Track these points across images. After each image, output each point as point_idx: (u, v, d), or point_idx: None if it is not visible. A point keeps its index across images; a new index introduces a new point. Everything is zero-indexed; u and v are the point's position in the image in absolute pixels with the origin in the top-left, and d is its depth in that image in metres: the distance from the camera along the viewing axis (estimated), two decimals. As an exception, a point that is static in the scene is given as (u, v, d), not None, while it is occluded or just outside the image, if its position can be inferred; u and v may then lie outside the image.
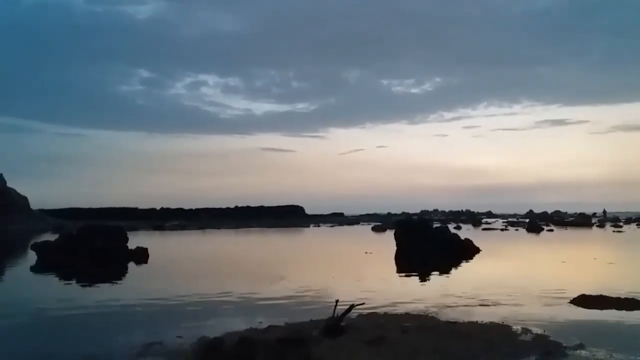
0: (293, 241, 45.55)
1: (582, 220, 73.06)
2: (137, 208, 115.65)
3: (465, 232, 46.68)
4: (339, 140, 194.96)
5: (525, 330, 9.03)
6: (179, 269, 21.33)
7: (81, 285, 17.27)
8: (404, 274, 19.47)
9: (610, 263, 22.16)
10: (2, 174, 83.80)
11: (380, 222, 78.95)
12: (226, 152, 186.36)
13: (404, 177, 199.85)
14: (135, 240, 28.94)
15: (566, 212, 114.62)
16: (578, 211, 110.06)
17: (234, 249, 35.26)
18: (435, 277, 18.49)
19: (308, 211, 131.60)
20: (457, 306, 11.95)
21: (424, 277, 18.25)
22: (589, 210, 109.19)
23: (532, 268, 21.00)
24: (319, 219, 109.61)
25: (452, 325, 9.30)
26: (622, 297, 12.22)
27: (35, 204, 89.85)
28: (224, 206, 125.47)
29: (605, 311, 11.19)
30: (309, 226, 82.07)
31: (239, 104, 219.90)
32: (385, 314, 10.70)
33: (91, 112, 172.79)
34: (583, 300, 12.06)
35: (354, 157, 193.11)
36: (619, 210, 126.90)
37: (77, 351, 8.36)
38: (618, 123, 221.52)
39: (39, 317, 11.52)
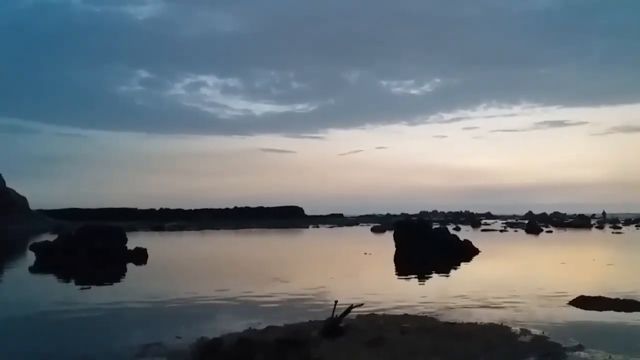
0: (292, 242, 45.55)
1: (581, 222, 73.15)
2: (136, 209, 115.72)
3: (465, 233, 46.73)
4: (338, 141, 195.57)
5: (525, 332, 9.03)
6: (178, 270, 21.32)
7: (80, 286, 17.24)
8: (403, 275, 19.48)
9: (609, 264, 22.18)
10: (1, 174, 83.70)
11: (380, 223, 78.99)
12: (226, 152, 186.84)
13: (404, 178, 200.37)
14: (134, 241, 28.93)
15: (565, 214, 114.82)
16: (577, 212, 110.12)
17: (233, 249, 35.25)
18: (434, 278, 18.50)
19: (307, 212, 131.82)
20: (456, 307, 11.95)
21: (423, 278, 18.25)
22: (588, 212, 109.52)
23: (531, 269, 21.01)
24: (318, 220, 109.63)
25: (452, 326, 9.30)
26: (621, 298, 12.24)
27: (34, 204, 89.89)
28: (223, 207, 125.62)
29: (604, 312, 11.20)
30: (308, 227, 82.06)
31: (238, 105, 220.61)
32: (385, 314, 10.69)
33: (91, 112, 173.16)
34: (582, 302, 12.07)
35: (353, 158, 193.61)
36: (619, 212, 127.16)
37: (76, 352, 8.35)
38: (618, 124, 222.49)
39: (38, 317, 11.49)
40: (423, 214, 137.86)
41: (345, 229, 75.40)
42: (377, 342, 7.98)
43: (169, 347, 8.33)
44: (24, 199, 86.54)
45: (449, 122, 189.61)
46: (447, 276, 19.07)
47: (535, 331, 9.11)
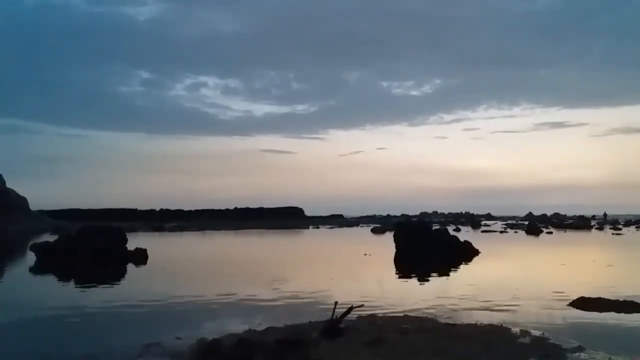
0: (292, 242, 45.54)
1: (581, 223, 73.20)
2: (136, 209, 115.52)
3: (465, 234, 46.71)
4: (338, 142, 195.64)
5: (525, 333, 9.03)
6: (178, 270, 21.32)
7: (80, 286, 17.25)
8: (403, 276, 19.48)
9: (610, 265, 22.19)
10: (1, 175, 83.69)
11: (380, 223, 78.98)
12: (226, 153, 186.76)
13: (404, 179, 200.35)
14: (134, 242, 28.93)
15: (565, 215, 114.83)
16: (577, 214, 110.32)
17: (233, 250, 35.25)
18: (434, 279, 18.48)
19: (307, 213, 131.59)
20: (456, 308, 11.96)
21: (423, 279, 18.25)
22: (588, 213, 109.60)
23: (531, 270, 21.01)
24: (318, 221, 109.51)
25: (452, 327, 9.31)
26: (621, 299, 12.25)
27: (34, 204, 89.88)
28: (223, 207, 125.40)
29: (604, 313, 11.20)
30: (308, 228, 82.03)
31: (238, 106, 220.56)
32: (385, 315, 10.70)
33: (91, 112, 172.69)
34: (582, 303, 12.07)
35: (353, 158, 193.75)
36: (619, 213, 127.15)
37: (76, 352, 8.35)
38: (618, 125, 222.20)
39: (38, 317, 11.50)
40: (423, 214, 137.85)
41: (345, 229, 75.37)
42: (377, 342, 7.99)
43: (169, 348, 8.33)
44: (24, 199, 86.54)
45: (449, 123, 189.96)
46: (447, 277, 19.07)
47: (536, 332, 9.11)
